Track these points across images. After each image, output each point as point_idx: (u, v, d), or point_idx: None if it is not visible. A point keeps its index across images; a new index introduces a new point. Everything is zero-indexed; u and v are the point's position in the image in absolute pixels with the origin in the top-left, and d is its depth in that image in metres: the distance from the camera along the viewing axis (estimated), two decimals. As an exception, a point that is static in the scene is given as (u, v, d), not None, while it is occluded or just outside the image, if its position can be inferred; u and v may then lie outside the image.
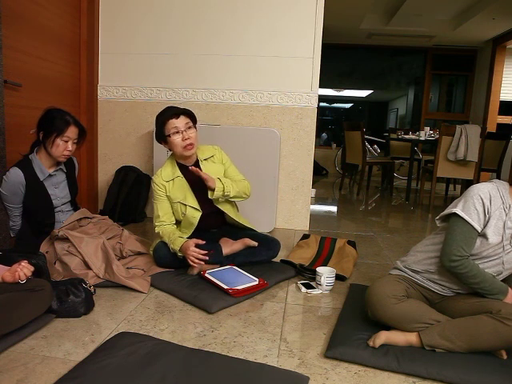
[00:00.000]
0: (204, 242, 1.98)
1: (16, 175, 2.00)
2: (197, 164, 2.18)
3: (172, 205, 2.14)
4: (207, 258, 1.94)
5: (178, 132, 2.04)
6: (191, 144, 2.06)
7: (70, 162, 2.23)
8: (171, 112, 2.06)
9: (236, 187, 2.12)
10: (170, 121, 2.04)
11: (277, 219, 3.10)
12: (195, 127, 2.11)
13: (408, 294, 1.51)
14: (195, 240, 1.97)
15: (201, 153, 2.20)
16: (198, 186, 2.13)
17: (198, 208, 2.11)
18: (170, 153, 2.19)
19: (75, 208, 2.28)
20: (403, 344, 1.40)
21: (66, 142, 2.04)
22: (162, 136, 2.08)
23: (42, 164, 2.07)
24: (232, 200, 2.22)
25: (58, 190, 2.15)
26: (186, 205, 2.10)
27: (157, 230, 2.12)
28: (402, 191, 5.48)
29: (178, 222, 2.19)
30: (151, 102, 3.13)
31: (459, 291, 1.53)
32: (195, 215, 2.11)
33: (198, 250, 1.94)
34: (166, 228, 2.10)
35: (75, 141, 2.09)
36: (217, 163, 2.21)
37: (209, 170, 2.15)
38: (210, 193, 2.07)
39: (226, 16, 2.99)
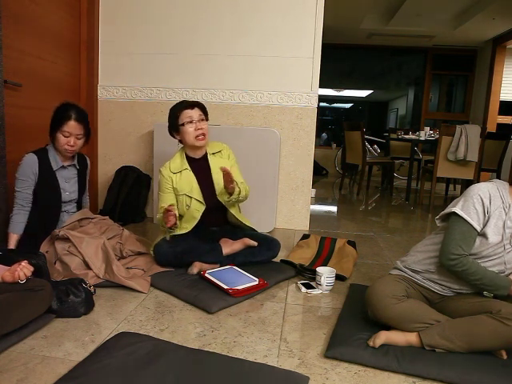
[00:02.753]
0: (173, 207, 1.96)
1: (31, 160, 2.03)
2: (205, 158, 2.23)
3: (177, 197, 2.16)
4: (172, 211, 1.91)
5: (191, 122, 2.12)
6: (203, 134, 2.13)
7: (83, 159, 2.25)
8: (186, 103, 2.16)
9: (244, 191, 2.15)
10: (185, 111, 2.12)
11: (277, 219, 3.10)
12: (207, 121, 2.19)
13: (408, 293, 1.51)
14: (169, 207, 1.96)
15: (209, 147, 2.26)
16: (204, 180, 2.18)
17: (203, 201, 2.15)
18: (180, 146, 2.25)
19: (79, 209, 2.27)
20: (403, 344, 1.40)
21: (67, 137, 2.04)
22: (175, 126, 2.15)
23: (56, 155, 2.10)
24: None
25: (68, 185, 2.16)
26: (191, 197, 2.14)
27: (158, 216, 2.12)
28: (402, 191, 5.48)
29: (179, 218, 2.19)
30: (151, 102, 3.13)
31: (459, 291, 1.53)
32: (199, 208, 2.14)
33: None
34: None
35: (79, 137, 2.07)
36: (224, 158, 2.27)
37: (216, 165, 2.19)
38: (226, 196, 2.09)
39: (226, 16, 2.99)
